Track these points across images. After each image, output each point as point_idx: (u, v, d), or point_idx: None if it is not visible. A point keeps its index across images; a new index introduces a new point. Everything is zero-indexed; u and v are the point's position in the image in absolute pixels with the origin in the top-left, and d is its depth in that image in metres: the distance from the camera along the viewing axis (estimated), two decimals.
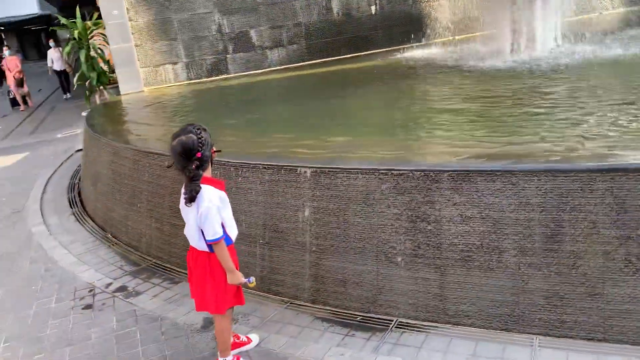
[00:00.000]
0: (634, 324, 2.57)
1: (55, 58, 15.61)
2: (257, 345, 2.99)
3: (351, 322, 3.12)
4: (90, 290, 3.98)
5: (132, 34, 8.83)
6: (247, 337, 2.98)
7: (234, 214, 2.69)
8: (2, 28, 38.44)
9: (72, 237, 5.15)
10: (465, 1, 9.95)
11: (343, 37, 9.95)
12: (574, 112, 4.13)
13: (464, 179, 2.86)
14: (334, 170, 3.26)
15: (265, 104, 6.70)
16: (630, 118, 3.76)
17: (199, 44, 9.25)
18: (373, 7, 9.97)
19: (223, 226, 2.55)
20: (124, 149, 4.86)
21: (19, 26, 37.72)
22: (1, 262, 4.84)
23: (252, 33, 9.52)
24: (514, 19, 7.30)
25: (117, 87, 9.24)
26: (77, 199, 6.33)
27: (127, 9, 8.74)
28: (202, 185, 2.49)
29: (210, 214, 2.48)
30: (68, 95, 16.39)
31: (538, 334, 2.76)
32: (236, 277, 2.59)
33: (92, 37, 11.12)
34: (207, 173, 2.57)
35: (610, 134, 3.45)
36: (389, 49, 9.85)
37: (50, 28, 13.42)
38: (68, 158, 8.46)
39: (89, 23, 11.18)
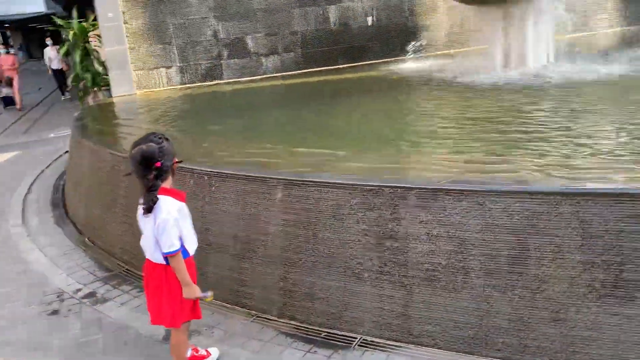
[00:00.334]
0: (596, 352, 2.51)
1: (52, 57, 15.63)
2: (217, 359, 2.93)
3: (315, 338, 3.07)
4: (59, 296, 3.93)
5: (127, 36, 8.82)
6: (206, 351, 2.92)
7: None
8: (7, 25, 38.58)
9: (50, 239, 5.10)
10: (462, 15, 9.97)
11: (339, 46, 9.95)
12: (548, 134, 4.11)
13: (432, 197, 2.82)
14: (305, 182, 3.22)
15: (253, 111, 6.66)
16: (604, 142, 3.75)
17: (193, 48, 9.24)
18: (369, 19, 9.98)
19: (181, 238, 2.51)
20: (103, 153, 4.82)
21: (25, 24, 37.88)
22: None
23: (248, 39, 9.51)
24: (507, 34, 7.28)
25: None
26: (61, 201, 6.30)
27: (122, 12, 8.74)
28: (160, 196, 2.44)
29: (168, 226, 2.44)
30: (67, 95, 16.38)
31: (501, 359, 2.70)
32: (192, 291, 2.54)
33: (88, 38, 11.13)
34: (167, 183, 2.53)
35: (582, 157, 3.43)
36: (385, 60, 9.86)
37: (46, 28, 13.45)
38: (57, 158, 8.42)
39: (85, 24, 11.19)
